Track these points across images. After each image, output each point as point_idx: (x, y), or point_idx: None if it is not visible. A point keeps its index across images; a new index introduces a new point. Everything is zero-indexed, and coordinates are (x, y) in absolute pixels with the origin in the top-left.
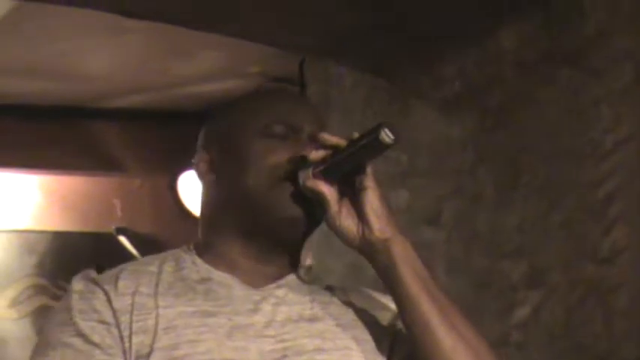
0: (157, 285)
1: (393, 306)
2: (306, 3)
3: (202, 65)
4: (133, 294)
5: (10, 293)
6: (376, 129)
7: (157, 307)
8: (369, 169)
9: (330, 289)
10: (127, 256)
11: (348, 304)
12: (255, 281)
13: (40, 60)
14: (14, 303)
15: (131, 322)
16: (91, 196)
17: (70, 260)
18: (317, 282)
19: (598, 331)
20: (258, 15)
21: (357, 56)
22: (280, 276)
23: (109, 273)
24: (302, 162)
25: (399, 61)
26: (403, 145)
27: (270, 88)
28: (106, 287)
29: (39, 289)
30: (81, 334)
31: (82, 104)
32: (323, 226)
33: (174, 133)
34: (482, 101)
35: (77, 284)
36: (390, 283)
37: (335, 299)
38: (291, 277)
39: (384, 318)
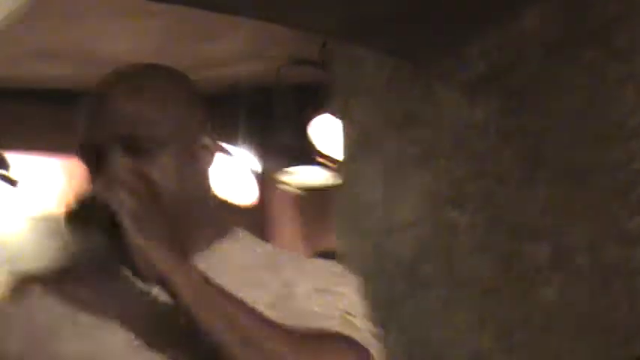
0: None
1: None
2: None
3: (224, 48)
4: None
5: None
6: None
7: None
8: (123, 219)
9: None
10: None
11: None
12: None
13: (64, 44)
14: None
15: None
16: None
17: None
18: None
19: (623, 313)
20: None
21: (380, 38)
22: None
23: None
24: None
25: (422, 42)
26: (427, 127)
27: (102, 84)
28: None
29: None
30: None
31: None
32: (348, 209)
33: None
34: (506, 82)
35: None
36: (185, 317)
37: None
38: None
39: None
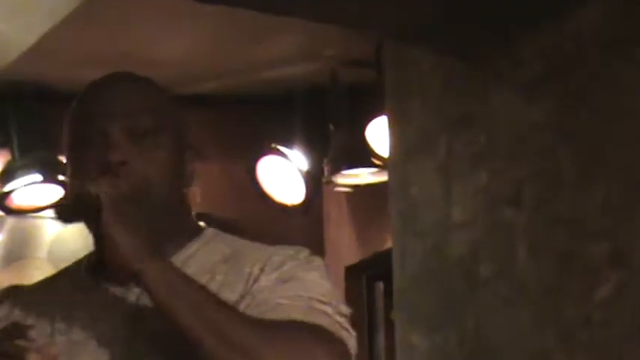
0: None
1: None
2: None
3: (278, 49)
4: None
5: None
6: None
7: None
8: (103, 211)
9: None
10: None
11: (216, 272)
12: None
13: (114, 48)
14: None
15: None
16: None
17: None
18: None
19: None
20: None
21: (436, 39)
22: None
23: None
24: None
25: (478, 43)
26: (483, 127)
27: (94, 83)
28: None
29: None
30: None
31: None
32: (404, 209)
33: (252, 118)
34: (563, 82)
35: None
36: (159, 311)
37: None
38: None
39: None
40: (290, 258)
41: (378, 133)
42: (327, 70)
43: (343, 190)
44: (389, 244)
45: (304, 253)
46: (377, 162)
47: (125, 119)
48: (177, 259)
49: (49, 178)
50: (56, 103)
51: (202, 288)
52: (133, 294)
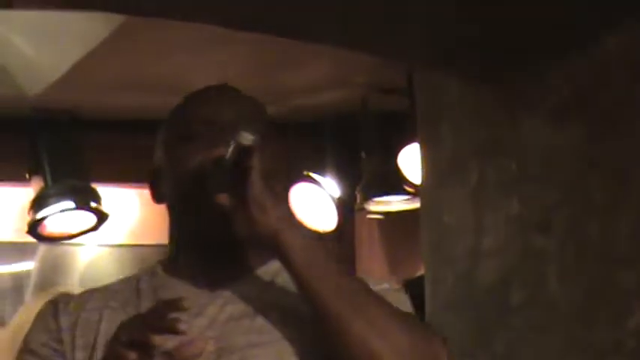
0: (109, 299)
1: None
2: (414, 13)
3: (309, 76)
4: (80, 311)
5: None
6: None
7: (100, 320)
8: (252, 171)
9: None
10: None
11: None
12: (208, 285)
13: (147, 75)
14: None
15: (74, 339)
16: None
17: None
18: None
19: None
20: (364, 25)
21: (464, 66)
22: (235, 277)
23: (72, 294)
24: (210, 167)
25: (506, 68)
26: (512, 153)
27: (198, 91)
28: (59, 306)
29: None
30: (31, 351)
31: None
32: (435, 235)
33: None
34: (591, 107)
35: (43, 305)
36: (293, 279)
37: (291, 291)
38: (248, 274)
39: None
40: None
41: (410, 161)
42: (358, 97)
43: (375, 217)
44: (420, 271)
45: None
46: (409, 189)
47: (258, 111)
48: (267, 271)
49: (81, 205)
50: (88, 130)
51: (341, 267)
52: (221, 298)
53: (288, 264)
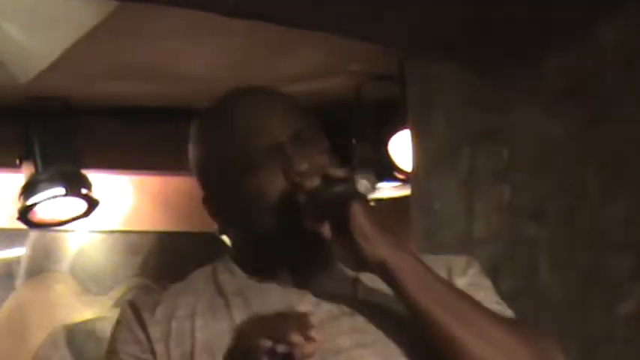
0: (195, 305)
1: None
2: (409, 0)
3: (303, 63)
4: (170, 320)
5: (116, 294)
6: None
7: (193, 329)
8: (354, 201)
9: None
10: None
11: None
12: (293, 283)
13: (138, 62)
14: (119, 303)
15: (169, 350)
16: (193, 197)
17: (174, 260)
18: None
19: None
20: (359, 12)
21: (459, 54)
22: (318, 273)
23: (151, 298)
24: (296, 191)
25: (501, 58)
26: (504, 141)
27: (235, 99)
28: (145, 315)
29: (144, 290)
30: None
31: (186, 105)
32: (426, 223)
33: None
34: (586, 96)
35: (123, 313)
36: (402, 301)
37: (380, 284)
38: (332, 271)
39: None
40: (467, 265)
41: (401, 148)
42: (351, 84)
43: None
44: None
45: (470, 259)
46: (400, 176)
47: (309, 119)
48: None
49: (72, 191)
50: (79, 116)
51: (443, 279)
52: (310, 295)
53: (398, 289)
